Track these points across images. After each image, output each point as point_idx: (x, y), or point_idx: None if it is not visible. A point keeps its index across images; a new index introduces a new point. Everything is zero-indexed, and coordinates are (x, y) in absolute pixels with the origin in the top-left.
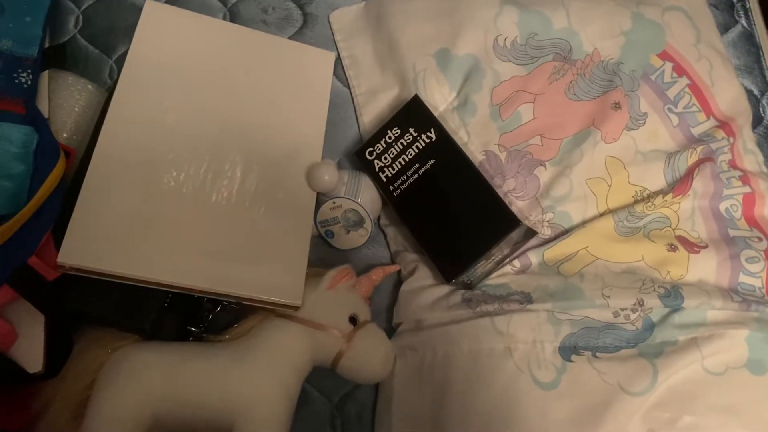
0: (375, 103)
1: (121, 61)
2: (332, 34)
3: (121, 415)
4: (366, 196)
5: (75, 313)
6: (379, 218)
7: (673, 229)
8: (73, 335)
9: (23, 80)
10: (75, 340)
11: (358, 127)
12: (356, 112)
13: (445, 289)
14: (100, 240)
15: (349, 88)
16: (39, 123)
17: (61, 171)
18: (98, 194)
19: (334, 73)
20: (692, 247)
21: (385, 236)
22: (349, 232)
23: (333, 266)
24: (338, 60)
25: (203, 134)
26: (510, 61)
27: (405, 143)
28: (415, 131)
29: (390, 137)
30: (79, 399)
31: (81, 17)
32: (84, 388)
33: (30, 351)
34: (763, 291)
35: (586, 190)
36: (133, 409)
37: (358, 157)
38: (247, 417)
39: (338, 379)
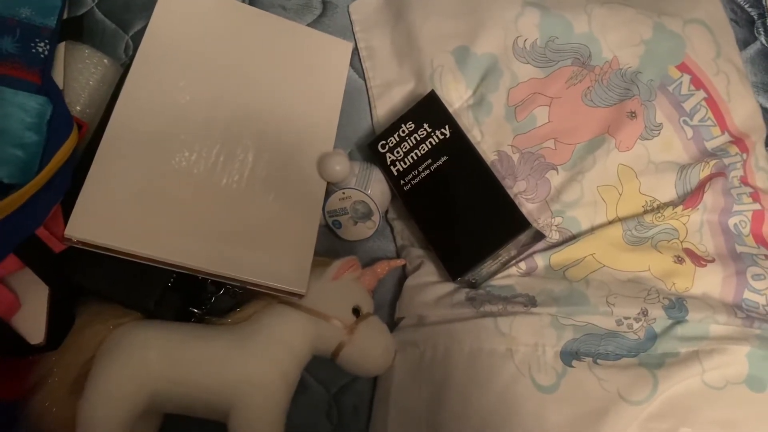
0: (389, 96)
1: (137, 37)
2: (351, 24)
3: (119, 391)
4: (376, 189)
5: (79, 287)
6: (387, 212)
7: (681, 242)
8: (75, 309)
9: (40, 50)
10: (77, 313)
11: (371, 119)
12: (370, 104)
13: (450, 286)
14: (108, 215)
15: (365, 80)
16: (54, 94)
17: (73, 143)
18: (109, 170)
19: (350, 64)
20: (699, 260)
21: (392, 230)
22: (356, 223)
23: (338, 257)
24: (355, 50)
25: (217, 116)
26: (528, 63)
27: (418, 138)
28: (429, 127)
29: (404, 131)
30: (78, 373)
31: None
32: (83, 362)
33: (32, 322)
34: (767, 308)
35: (596, 197)
36: (131, 386)
37: (371, 150)
38: (244, 402)
39: (337, 369)
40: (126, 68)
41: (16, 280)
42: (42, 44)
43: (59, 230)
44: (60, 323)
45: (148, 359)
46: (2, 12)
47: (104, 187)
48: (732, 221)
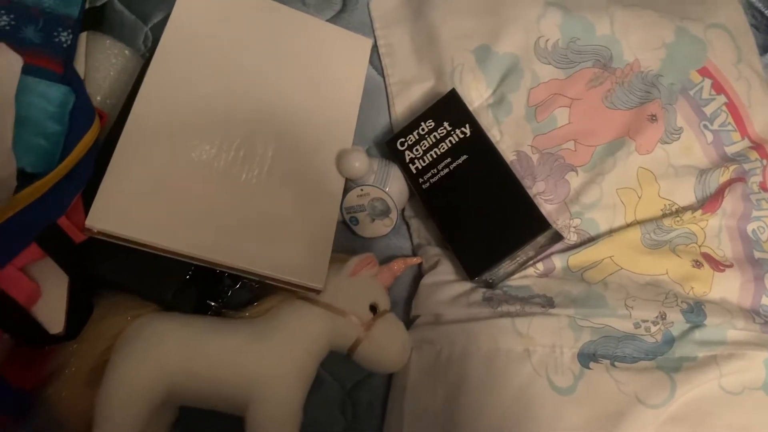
0: (408, 93)
1: (156, 29)
2: (371, 20)
3: (138, 382)
4: (394, 187)
5: (98, 277)
6: (403, 210)
7: (699, 246)
8: (93, 299)
9: (63, 39)
10: (95, 304)
11: (389, 116)
12: (388, 102)
13: (466, 285)
14: (128, 207)
15: (383, 77)
16: (76, 84)
17: (95, 134)
18: (130, 161)
19: (369, 61)
20: (717, 265)
21: (409, 228)
22: (374, 220)
23: (354, 253)
24: (374, 47)
25: (237, 110)
26: (550, 64)
27: (438, 137)
28: (449, 125)
29: (423, 129)
30: (95, 364)
31: None
32: (101, 353)
33: (52, 311)
34: None
35: (615, 200)
36: (149, 378)
37: (389, 147)
38: (262, 396)
39: (352, 365)
40: (147, 60)
41: (37, 269)
42: (65, 34)
43: (80, 220)
44: (79, 313)
45: (167, 351)
46: (26, 1)
47: (125, 179)
48: (750, 227)
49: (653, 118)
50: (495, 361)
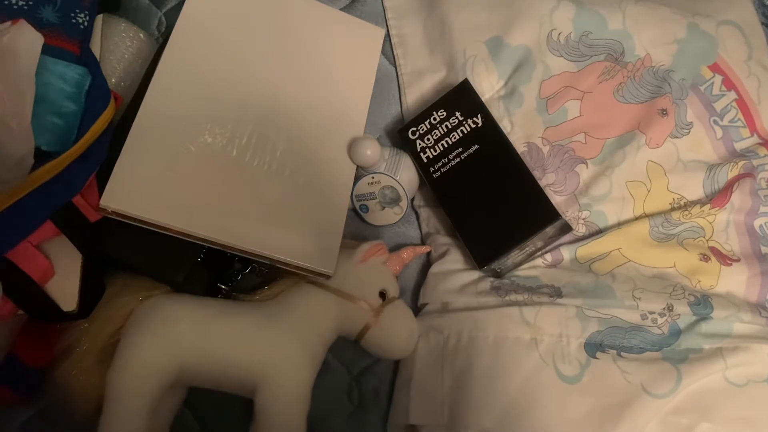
0: (420, 84)
1: (170, 14)
2: (384, 10)
3: (148, 363)
4: (405, 175)
5: (110, 258)
6: (413, 198)
7: (707, 240)
8: (105, 280)
9: (80, 21)
10: (107, 284)
11: (400, 106)
12: (400, 91)
13: (475, 274)
14: (142, 188)
15: (395, 67)
16: (92, 65)
17: (110, 115)
18: (145, 143)
19: (382, 50)
20: (724, 259)
21: (418, 217)
22: (384, 208)
23: (364, 241)
24: (387, 37)
25: (250, 96)
26: (562, 57)
27: (450, 126)
28: (461, 115)
29: (435, 119)
30: (106, 343)
31: None
32: (111, 333)
33: (65, 289)
34: None
35: (624, 192)
36: (160, 358)
37: (401, 136)
38: (272, 379)
39: (360, 351)
40: (161, 44)
41: (51, 247)
42: (82, 15)
43: (94, 200)
44: (91, 292)
45: (178, 332)
46: None
47: (139, 160)
48: (758, 222)
49: (664, 112)
50: (502, 349)
